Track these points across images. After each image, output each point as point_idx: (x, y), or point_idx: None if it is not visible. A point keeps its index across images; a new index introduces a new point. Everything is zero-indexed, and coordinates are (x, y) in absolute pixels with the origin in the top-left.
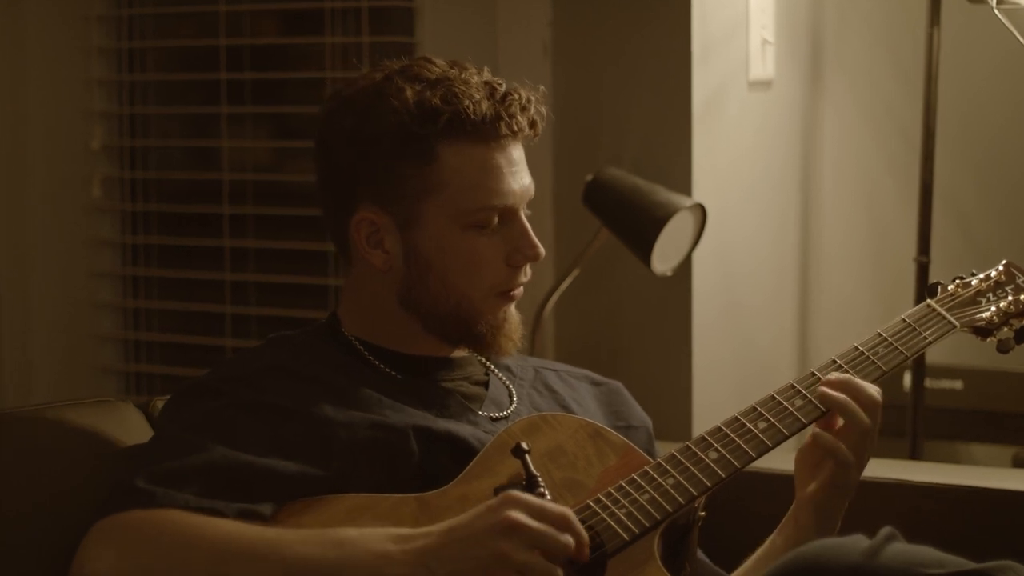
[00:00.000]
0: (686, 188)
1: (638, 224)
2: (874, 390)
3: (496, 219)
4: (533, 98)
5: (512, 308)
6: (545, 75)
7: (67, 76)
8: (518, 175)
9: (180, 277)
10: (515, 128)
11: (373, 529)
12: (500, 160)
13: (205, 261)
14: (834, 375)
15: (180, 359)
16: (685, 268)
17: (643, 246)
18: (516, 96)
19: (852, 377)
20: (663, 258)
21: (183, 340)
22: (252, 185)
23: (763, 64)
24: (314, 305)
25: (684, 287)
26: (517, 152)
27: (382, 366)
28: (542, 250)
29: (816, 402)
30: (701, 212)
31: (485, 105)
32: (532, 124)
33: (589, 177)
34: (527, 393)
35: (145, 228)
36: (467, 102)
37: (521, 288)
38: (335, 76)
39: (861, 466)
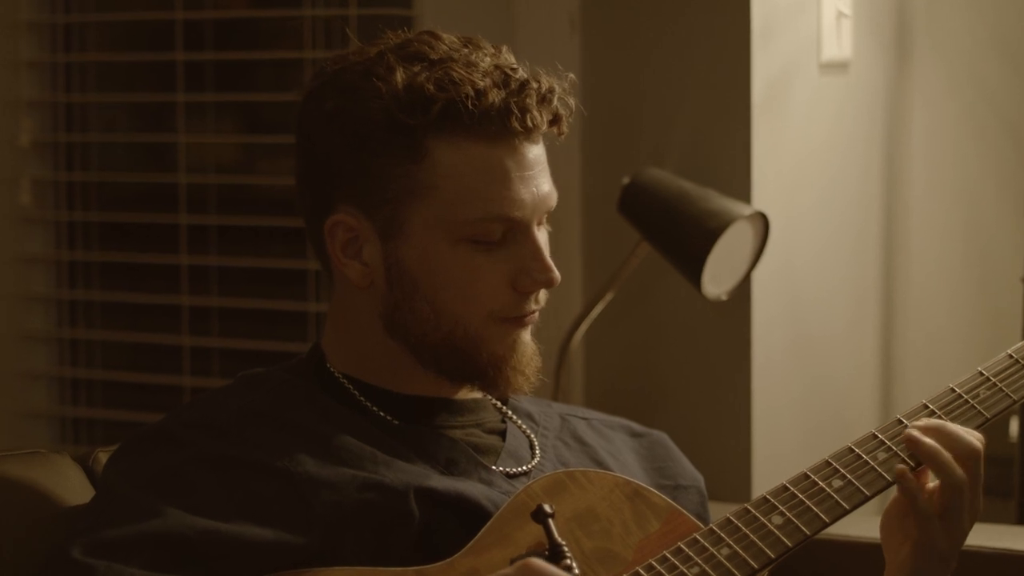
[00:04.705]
0: (744, 193)
1: (686, 237)
2: (974, 437)
3: (499, 233)
4: (558, 88)
5: (524, 335)
6: (572, 55)
7: None
8: (531, 181)
9: (127, 302)
10: (529, 124)
11: None
12: (507, 162)
13: (158, 282)
14: (924, 421)
15: (128, 401)
16: (743, 291)
17: (692, 264)
18: (534, 85)
19: (945, 423)
20: (716, 279)
21: (131, 378)
22: (215, 189)
23: (838, 42)
24: (292, 336)
25: (742, 314)
26: (532, 153)
27: (376, 410)
28: (557, 275)
29: (903, 455)
30: (762, 222)
31: (492, 94)
32: (555, 120)
33: (626, 180)
34: (552, 445)
35: (85, 242)
36: (467, 89)
37: (535, 314)
38: (316, 57)
39: (955, 529)
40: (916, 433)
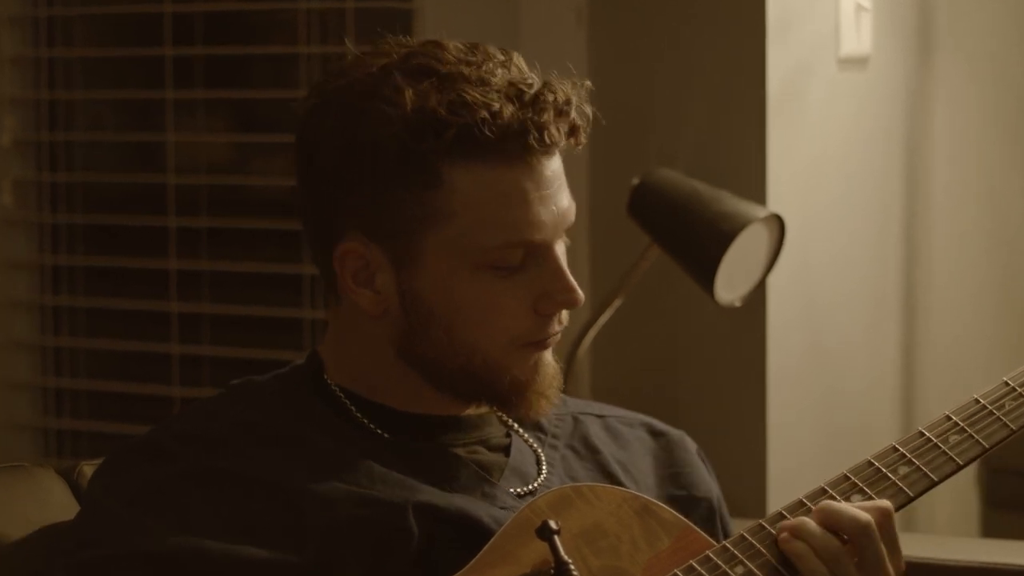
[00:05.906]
0: (759, 195)
1: (698, 240)
2: (864, 510)
3: (520, 257)
4: (574, 98)
5: (546, 356)
6: (579, 50)
7: None
8: (551, 200)
9: (114, 308)
10: (547, 140)
11: None
12: (526, 184)
13: (146, 287)
14: (793, 520)
15: (114, 412)
16: (758, 297)
17: (704, 268)
18: (550, 98)
19: (829, 504)
20: (730, 284)
21: (118, 388)
22: (206, 190)
23: (857, 36)
24: (285, 343)
25: (757, 321)
26: (550, 169)
27: (374, 427)
28: (581, 295)
29: (925, 469)
30: (778, 225)
31: (508, 113)
32: (572, 131)
33: (635, 181)
34: (561, 456)
35: (69, 245)
36: (483, 113)
37: (558, 335)
38: (311, 52)
39: None
40: (785, 535)
